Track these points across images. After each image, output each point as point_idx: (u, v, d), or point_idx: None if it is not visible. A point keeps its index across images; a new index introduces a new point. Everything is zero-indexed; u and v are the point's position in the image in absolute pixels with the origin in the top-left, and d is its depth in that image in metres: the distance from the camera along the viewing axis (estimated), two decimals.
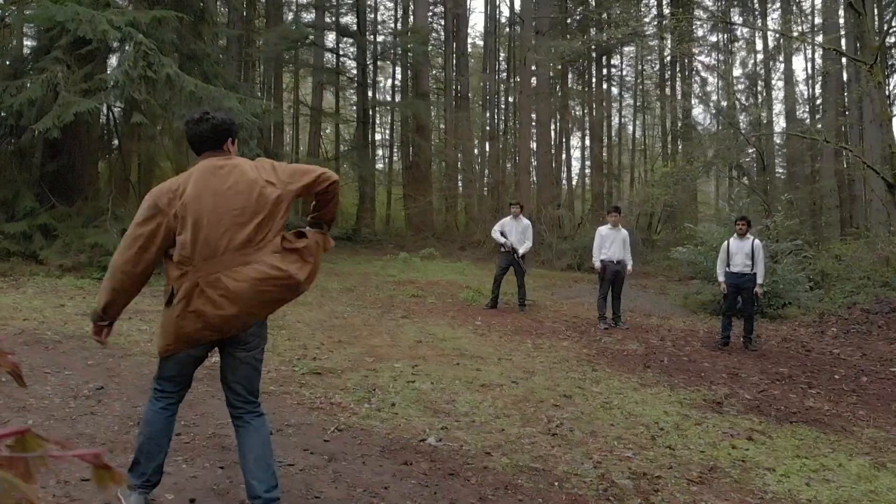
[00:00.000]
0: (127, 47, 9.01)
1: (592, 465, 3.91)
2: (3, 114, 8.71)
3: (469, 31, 28.43)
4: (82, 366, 4.82)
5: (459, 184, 25.49)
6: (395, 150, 28.45)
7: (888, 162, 16.54)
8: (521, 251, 9.82)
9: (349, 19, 24.08)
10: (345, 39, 23.13)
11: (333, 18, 24.67)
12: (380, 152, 30.53)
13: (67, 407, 3.94)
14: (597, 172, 27.76)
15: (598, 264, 9.24)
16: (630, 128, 34.50)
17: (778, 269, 11.55)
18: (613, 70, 31.81)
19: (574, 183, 32.00)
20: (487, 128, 29.41)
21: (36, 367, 4.68)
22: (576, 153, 34.90)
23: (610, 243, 9.18)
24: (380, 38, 24.37)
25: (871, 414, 5.92)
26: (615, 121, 33.06)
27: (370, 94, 24.80)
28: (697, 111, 34.08)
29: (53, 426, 3.58)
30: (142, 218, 2.46)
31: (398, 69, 26.73)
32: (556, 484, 3.53)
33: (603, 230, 9.32)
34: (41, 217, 9.39)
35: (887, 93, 19.67)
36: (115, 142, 11.14)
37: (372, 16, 26.33)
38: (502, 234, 9.88)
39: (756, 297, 8.49)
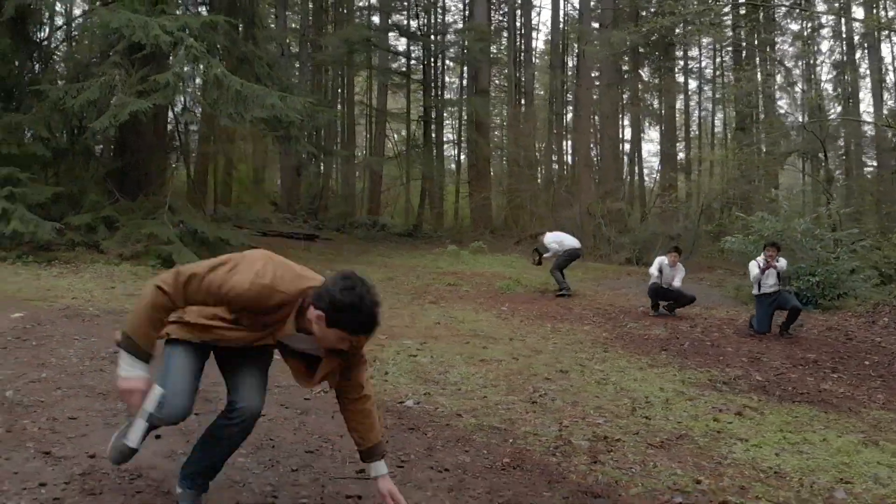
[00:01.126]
0: (179, 51, 9.62)
1: (558, 428, 4.04)
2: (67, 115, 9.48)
3: (540, 26, 28.31)
4: (108, 333, 5.30)
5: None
6: (461, 147, 28.69)
7: None
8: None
9: (411, 21, 24.49)
10: (408, 40, 23.56)
11: (403, 19, 25.16)
12: (453, 151, 30.82)
13: (82, 365, 4.39)
14: (666, 165, 27.18)
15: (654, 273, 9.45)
16: (709, 120, 33.49)
17: (832, 259, 11.14)
18: (691, 63, 30.98)
19: (646, 176, 31.36)
20: (552, 124, 29.27)
21: (68, 334, 5.19)
22: (650, 147, 34.18)
23: (664, 275, 9.43)
24: (442, 38, 24.61)
25: (890, 398, 5.73)
26: (695, 114, 32.28)
27: (433, 93, 25.14)
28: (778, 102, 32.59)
29: (62, 378, 4.02)
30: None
31: (465, 68, 26.93)
32: (509, 441, 3.69)
33: (664, 263, 9.44)
34: (105, 210, 10.20)
35: None
36: (176, 142, 11.85)
37: (432, 18, 26.68)
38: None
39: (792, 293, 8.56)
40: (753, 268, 8.71)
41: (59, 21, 11.41)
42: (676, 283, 9.57)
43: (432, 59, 23.46)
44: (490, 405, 4.42)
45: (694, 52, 30.31)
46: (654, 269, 9.55)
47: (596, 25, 22.82)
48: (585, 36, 22.30)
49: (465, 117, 26.47)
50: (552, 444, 3.72)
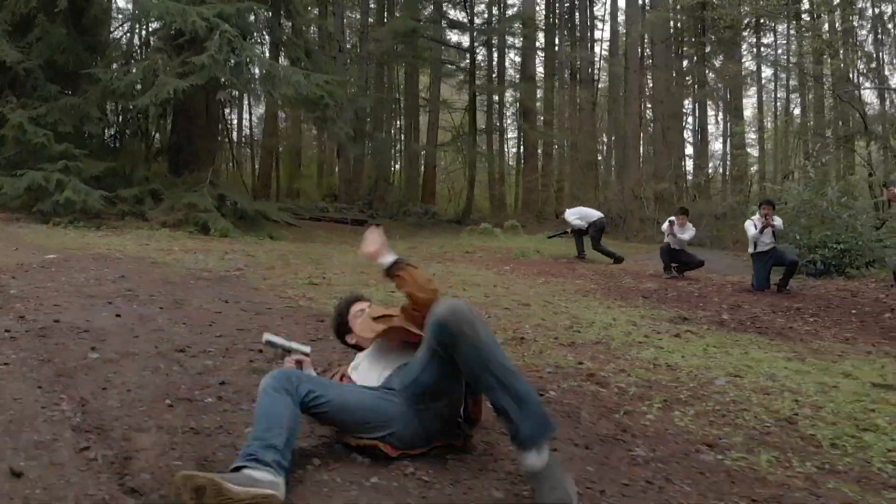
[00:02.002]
0: (215, 36, 10.49)
1: (527, 335, 4.47)
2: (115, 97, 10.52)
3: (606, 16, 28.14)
4: (123, 268, 6.07)
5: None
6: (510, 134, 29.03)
7: None
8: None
9: (459, 11, 24.96)
10: (456, 30, 24.09)
11: (455, 11, 25.64)
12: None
13: (87, 285, 5.13)
14: (735, 150, 26.66)
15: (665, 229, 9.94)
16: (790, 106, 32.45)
17: (857, 226, 11.01)
18: (767, 49, 30.22)
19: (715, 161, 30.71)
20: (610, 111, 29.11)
21: (87, 267, 5.98)
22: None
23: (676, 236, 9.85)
24: (490, 26, 24.96)
25: (856, 335, 5.85)
26: (766, 98, 31.42)
27: (476, 81, 25.55)
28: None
29: (63, 287, 4.76)
30: None
31: (513, 55, 27.23)
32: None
33: (673, 222, 9.87)
34: (152, 184, 11.20)
35: None
36: (220, 126, 12.78)
37: (485, 8, 27.08)
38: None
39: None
40: (750, 227, 8.83)
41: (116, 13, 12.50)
42: (685, 235, 9.82)
43: (479, 49, 23.84)
44: None
45: (769, 39, 29.49)
46: (665, 226, 9.86)
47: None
48: (633, 18, 22.27)
49: (519, 104, 26.82)
50: None
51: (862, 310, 7.23)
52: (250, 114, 28.66)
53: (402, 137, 28.70)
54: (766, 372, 3.99)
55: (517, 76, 26.58)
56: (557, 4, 28.32)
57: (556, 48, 28.15)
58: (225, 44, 10.44)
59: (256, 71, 10.48)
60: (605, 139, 27.44)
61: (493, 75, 26.58)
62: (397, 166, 28.85)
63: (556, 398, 3.07)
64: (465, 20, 24.01)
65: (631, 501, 2.01)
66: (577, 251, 11.59)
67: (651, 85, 24.50)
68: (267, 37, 12.21)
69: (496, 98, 27.43)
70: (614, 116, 24.05)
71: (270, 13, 12.05)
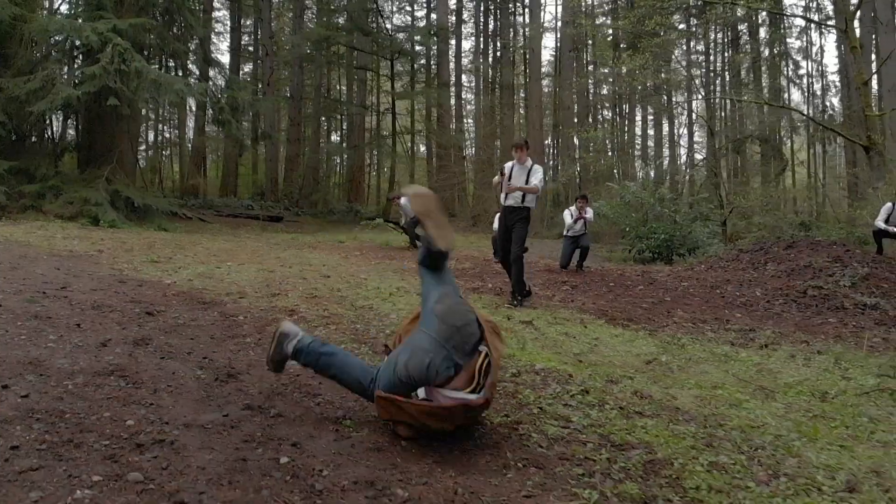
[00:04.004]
0: (108, 48, 11.75)
1: (268, 291, 5.96)
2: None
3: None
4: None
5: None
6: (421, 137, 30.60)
7: (863, 124, 17.23)
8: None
9: (374, 20, 26.38)
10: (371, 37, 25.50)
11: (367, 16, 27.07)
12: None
13: None
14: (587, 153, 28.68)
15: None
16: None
17: (677, 219, 12.87)
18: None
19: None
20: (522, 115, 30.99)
21: None
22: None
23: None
24: (402, 35, 26.49)
25: (591, 301, 7.54)
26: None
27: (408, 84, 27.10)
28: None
29: None
30: None
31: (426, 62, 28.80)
32: (231, 296, 5.64)
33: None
34: (52, 181, 12.39)
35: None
36: (126, 126, 14.02)
37: (399, 17, 28.64)
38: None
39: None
40: (567, 217, 10.49)
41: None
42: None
43: (390, 55, 25.34)
44: (240, 288, 6.30)
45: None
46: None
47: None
48: (534, 31, 24.08)
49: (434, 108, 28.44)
50: (231, 292, 5.66)
51: (624, 284, 8.98)
52: (178, 117, 29.74)
53: (341, 138, 30.23)
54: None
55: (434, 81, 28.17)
56: (468, 14, 30.18)
57: (476, 56, 29.94)
58: (117, 55, 11.71)
59: (145, 80, 11.74)
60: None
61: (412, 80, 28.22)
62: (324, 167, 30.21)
63: (255, 318, 4.60)
64: (380, 29, 25.45)
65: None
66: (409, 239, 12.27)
67: (558, 91, 26.47)
68: (163, 49, 13.45)
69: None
70: (516, 120, 25.83)
71: (166, 28, 13.34)
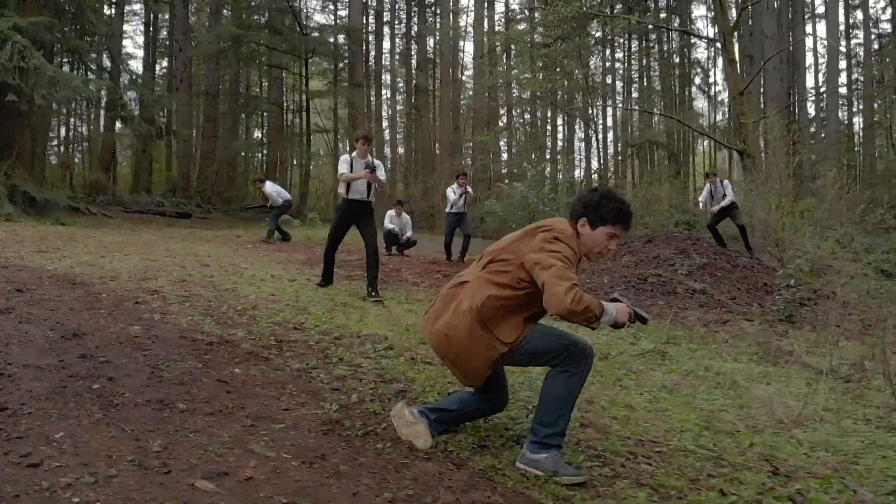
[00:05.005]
0: (7, 45, 11.90)
1: (145, 276, 6.53)
2: None
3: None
4: None
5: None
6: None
7: (738, 132, 18.81)
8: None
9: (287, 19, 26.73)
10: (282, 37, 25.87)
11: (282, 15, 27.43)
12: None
13: None
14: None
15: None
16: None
17: (555, 216, 13.97)
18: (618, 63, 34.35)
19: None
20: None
21: None
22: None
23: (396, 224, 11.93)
24: (316, 35, 26.94)
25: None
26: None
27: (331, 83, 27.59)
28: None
29: None
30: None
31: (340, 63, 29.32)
32: (96, 281, 6.19)
33: (392, 215, 12.01)
34: None
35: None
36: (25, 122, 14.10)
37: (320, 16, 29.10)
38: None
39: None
40: (451, 193, 11.20)
41: None
42: (408, 233, 12.20)
43: (304, 55, 25.80)
44: (116, 273, 6.83)
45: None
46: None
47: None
48: (444, 35, 25.04)
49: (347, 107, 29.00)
50: (105, 276, 6.22)
51: None
52: (89, 114, 29.37)
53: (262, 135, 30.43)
54: (293, 292, 6.35)
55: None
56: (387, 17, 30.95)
57: (392, 57, 30.70)
58: (16, 53, 11.89)
59: (42, 76, 11.96)
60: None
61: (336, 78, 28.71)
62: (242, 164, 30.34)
63: (123, 297, 5.21)
64: (293, 28, 25.84)
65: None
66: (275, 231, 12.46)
67: (471, 94, 27.55)
68: (62, 47, 13.62)
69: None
70: (426, 122, 26.75)
71: (70, 26, 13.53)
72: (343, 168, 6.88)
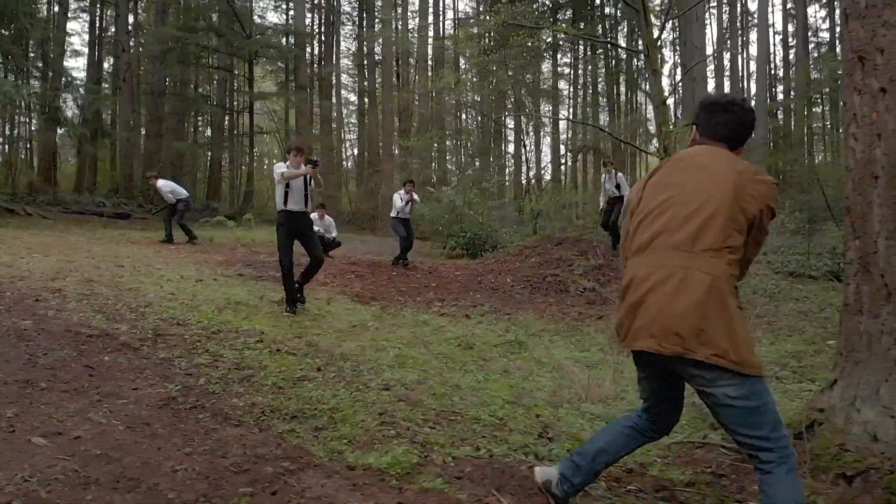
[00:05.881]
0: None
1: (56, 276, 6.98)
2: None
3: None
4: None
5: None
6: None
7: (660, 139, 19.71)
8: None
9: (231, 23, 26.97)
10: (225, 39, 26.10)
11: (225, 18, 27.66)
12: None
13: None
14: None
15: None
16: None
17: (480, 220, 14.69)
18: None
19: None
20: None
21: None
22: None
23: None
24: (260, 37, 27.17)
25: (361, 286, 8.99)
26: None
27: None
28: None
29: None
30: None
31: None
32: (6, 280, 6.62)
33: (315, 217, 12.05)
34: None
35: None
36: None
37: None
38: None
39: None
40: (398, 200, 11.47)
41: None
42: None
43: (249, 57, 26.08)
44: (29, 273, 7.25)
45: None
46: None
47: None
48: (387, 42, 25.62)
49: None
50: (16, 276, 6.66)
51: (405, 274, 10.54)
52: (29, 115, 29.12)
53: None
54: (192, 290, 6.87)
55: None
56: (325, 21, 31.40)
57: (333, 61, 31.13)
58: None
59: None
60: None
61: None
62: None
63: (25, 295, 5.68)
64: (237, 30, 26.08)
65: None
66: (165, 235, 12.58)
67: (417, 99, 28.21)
68: None
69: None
70: (373, 125, 27.31)
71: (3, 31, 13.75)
72: (280, 170, 6.71)
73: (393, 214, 11.66)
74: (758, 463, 2.07)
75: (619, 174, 12.34)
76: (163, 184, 12.81)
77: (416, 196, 11.92)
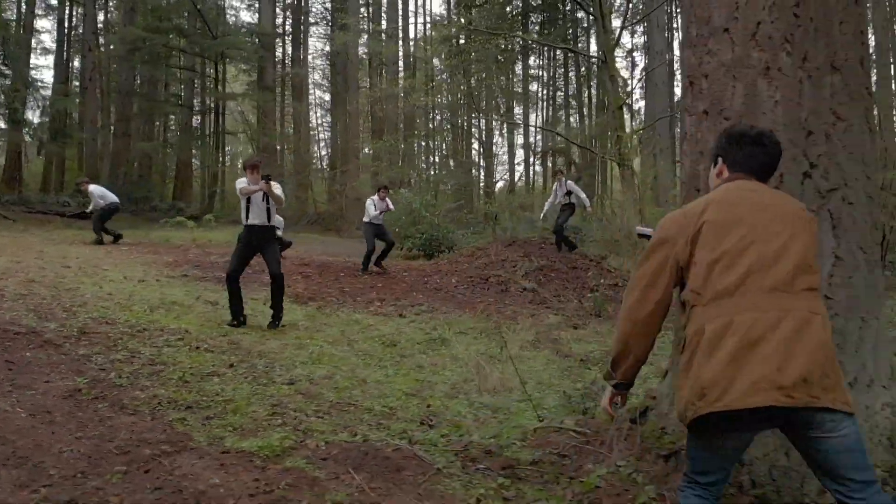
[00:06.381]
0: None
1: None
2: None
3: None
4: None
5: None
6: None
7: (616, 144, 20.16)
8: None
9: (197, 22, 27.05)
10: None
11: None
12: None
13: None
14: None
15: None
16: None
17: (435, 222, 15.03)
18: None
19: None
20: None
21: None
22: None
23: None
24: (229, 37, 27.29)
25: (310, 287, 9.27)
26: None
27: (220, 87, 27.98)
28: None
29: None
30: (646, 252, 2.15)
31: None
32: None
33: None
34: None
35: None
36: None
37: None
38: None
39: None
40: (370, 206, 11.41)
41: None
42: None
43: (216, 57, 26.20)
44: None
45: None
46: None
47: None
48: (351, 44, 25.89)
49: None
50: None
51: (352, 275, 10.84)
52: None
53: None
54: (130, 291, 7.14)
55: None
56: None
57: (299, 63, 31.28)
58: None
59: None
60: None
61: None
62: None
63: None
64: (203, 31, 26.21)
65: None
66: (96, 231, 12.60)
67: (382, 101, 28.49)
68: None
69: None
70: (341, 126, 27.54)
71: None
72: (239, 186, 6.87)
73: (365, 220, 11.51)
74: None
75: (570, 182, 12.69)
76: (94, 188, 12.88)
77: (390, 205, 11.72)
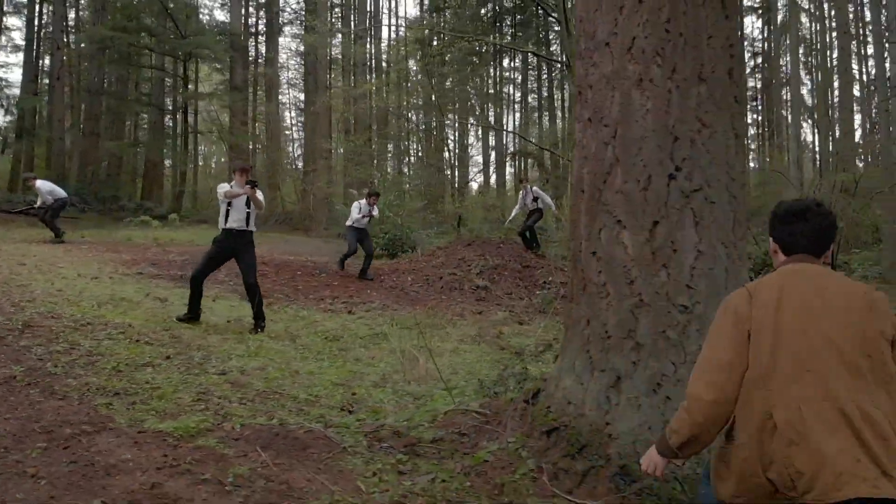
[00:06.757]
0: None
1: None
2: None
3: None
4: None
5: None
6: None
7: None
8: None
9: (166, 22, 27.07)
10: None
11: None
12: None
13: None
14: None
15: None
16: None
17: (399, 222, 15.30)
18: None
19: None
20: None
21: None
22: None
23: None
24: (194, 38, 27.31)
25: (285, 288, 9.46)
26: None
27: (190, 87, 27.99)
28: None
29: None
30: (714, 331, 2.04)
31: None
32: None
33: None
34: None
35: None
36: None
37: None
38: None
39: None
40: (355, 210, 11.47)
41: None
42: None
43: (184, 56, 26.23)
44: None
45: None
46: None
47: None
48: (320, 42, 26.06)
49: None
50: None
51: (310, 274, 11.05)
52: None
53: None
54: (102, 293, 7.32)
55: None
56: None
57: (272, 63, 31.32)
58: None
59: None
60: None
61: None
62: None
63: None
64: (171, 31, 26.22)
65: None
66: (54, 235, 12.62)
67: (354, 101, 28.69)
68: None
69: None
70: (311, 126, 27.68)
71: None
72: (223, 189, 6.80)
73: (348, 223, 11.59)
74: None
75: (535, 188, 13.18)
76: (41, 184, 12.84)
77: (375, 212, 11.74)
